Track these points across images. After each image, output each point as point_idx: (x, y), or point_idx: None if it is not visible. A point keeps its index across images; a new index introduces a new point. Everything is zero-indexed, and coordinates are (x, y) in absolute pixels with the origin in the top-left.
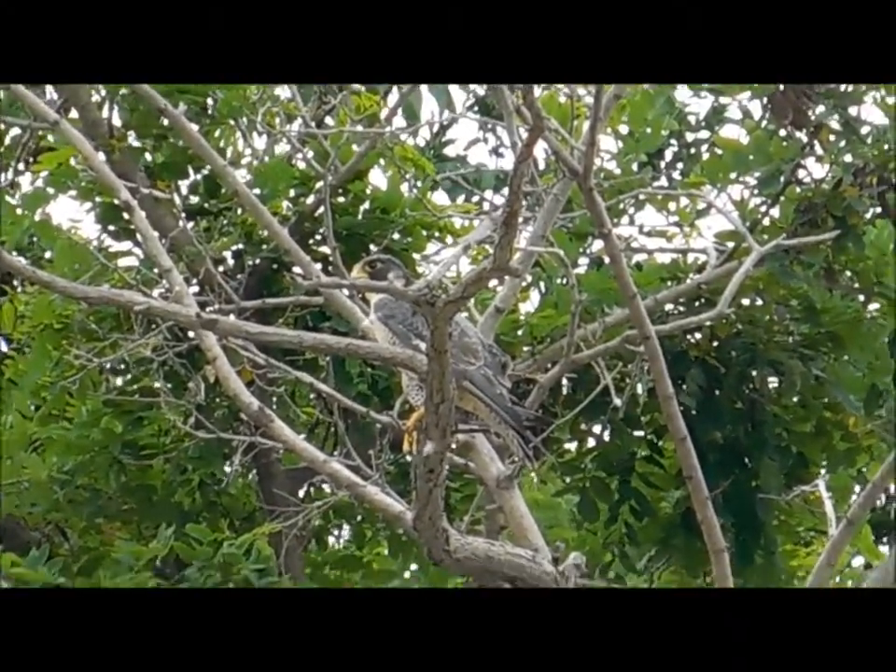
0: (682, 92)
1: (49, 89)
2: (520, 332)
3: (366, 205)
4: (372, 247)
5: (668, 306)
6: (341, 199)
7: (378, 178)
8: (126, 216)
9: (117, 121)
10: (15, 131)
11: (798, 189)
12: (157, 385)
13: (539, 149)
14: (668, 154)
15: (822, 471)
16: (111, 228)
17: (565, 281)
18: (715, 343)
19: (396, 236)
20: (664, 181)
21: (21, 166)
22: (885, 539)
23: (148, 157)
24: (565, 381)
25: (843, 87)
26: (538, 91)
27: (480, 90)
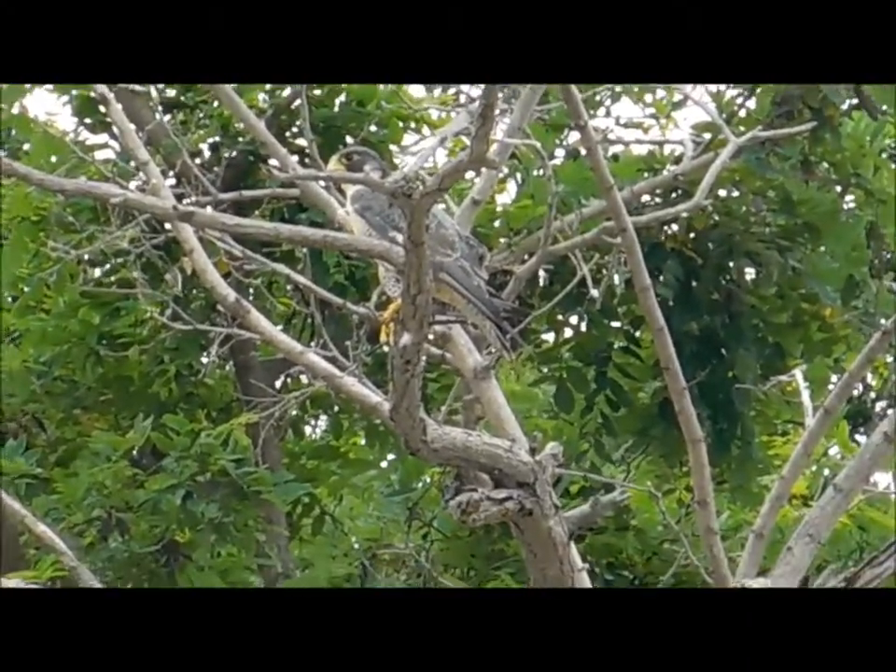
0: None
1: None
2: (497, 224)
3: (342, 98)
4: (349, 139)
5: (645, 198)
6: (317, 91)
7: None
8: (102, 108)
9: None
10: None
11: None
12: (134, 276)
13: None
14: None
15: (799, 362)
16: (87, 120)
17: (541, 173)
18: (692, 235)
19: (372, 128)
20: None
21: None
22: (861, 430)
23: None
24: (542, 272)
25: None
26: None
27: None
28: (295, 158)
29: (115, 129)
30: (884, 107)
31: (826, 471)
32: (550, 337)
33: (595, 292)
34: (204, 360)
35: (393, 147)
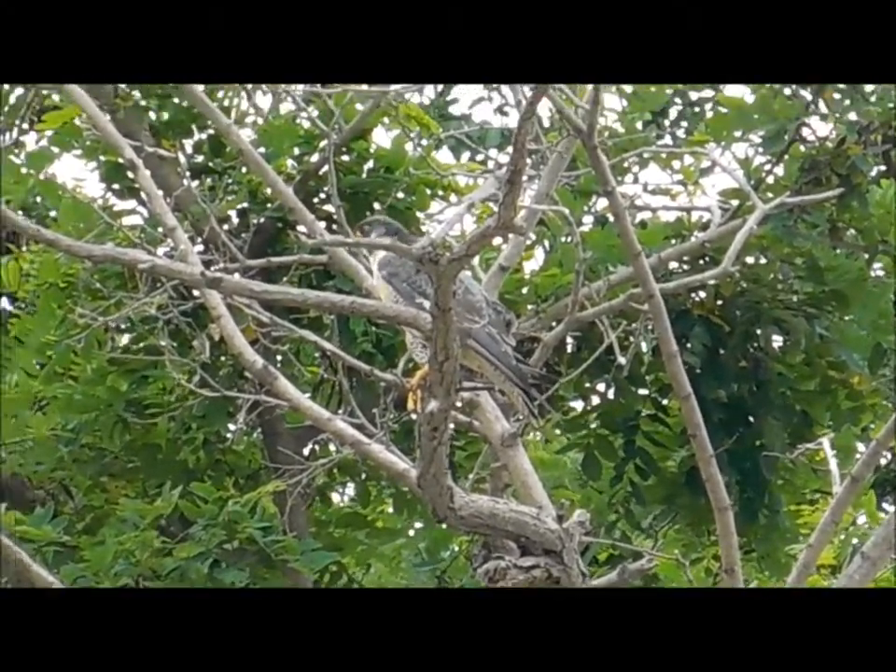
0: None
1: None
2: (524, 291)
3: (370, 164)
4: (376, 206)
5: (672, 264)
6: (345, 158)
7: (382, 137)
8: (130, 174)
9: None
10: (20, 90)
11: (802, 148)
12: (161, 343)
13: (544, 108)
14: (672, 112)
15: (826, 431)
16: (115, 186)
17: (569, 239)
18: (719, 302)
19: (400, 195)
20: (668, 139)
21: (25, 125)
22: (889, 499)
23: (153, 116)
24: (569, 339)
25: None
26: None
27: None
28: (323, 224)
29: (143, 195)
30: None
31: (854, 540)
32: (577, 404)
33: (622, 359)
34: (232, 427)
35: (420, 214)
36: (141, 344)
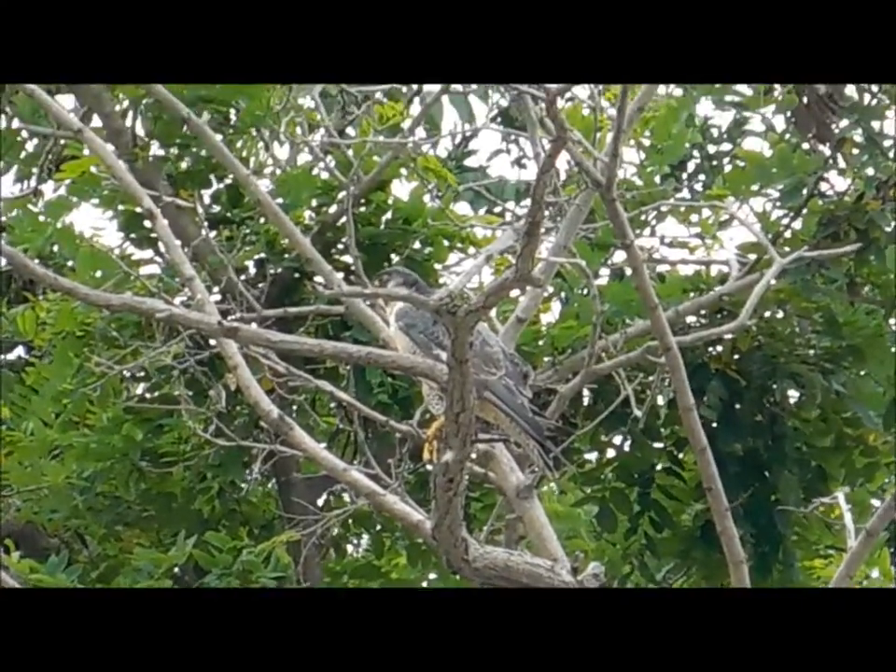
0: (705, 105)
1: (72, 98)
2: (541, 343)
3: (388, 215)
4: (394, 257)
5: (690, 318)
6: (363, 209)
7: (400, 189)
8: (148, 224)
9: (140, 130)
10: (38, 139)
11: (820, 202)
12: (178, 392)
13: (562, 160)
14: (691, 166)
15: (841, 486)
16: (133, 236)
17: (586, 292)
18: (736, 356)
19: (418, 246)
20: (686, 193)
21: (43, 174)
22: None
23: (171, 166)
24: (585, 391)
25: (866, 101)
26: (561, 102)
27: (503, 101)
28: (340, 275)
29: (161, 244)
30: None
31: None
32: (593, 457)
33: (638, 412)
34: (247, 477)
35: (438, 266)
36: (157, 393)
